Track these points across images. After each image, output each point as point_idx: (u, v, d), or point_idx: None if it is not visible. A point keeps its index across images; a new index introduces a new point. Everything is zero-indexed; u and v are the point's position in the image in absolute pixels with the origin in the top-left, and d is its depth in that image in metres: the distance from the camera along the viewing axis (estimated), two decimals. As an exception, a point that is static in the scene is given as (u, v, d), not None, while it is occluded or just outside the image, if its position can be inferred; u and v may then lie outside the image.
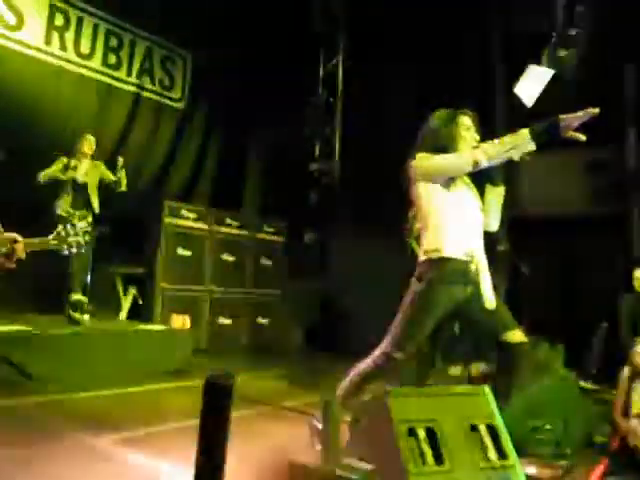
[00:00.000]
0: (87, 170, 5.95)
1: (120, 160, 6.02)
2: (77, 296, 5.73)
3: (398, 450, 2.26)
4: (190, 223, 7.12)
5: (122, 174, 6.01)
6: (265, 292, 7.87)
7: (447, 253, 2.95)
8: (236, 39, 7.99)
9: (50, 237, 2.49)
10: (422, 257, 3.05)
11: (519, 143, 2.80)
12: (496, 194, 3.18)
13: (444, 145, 3.04)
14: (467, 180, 3.15)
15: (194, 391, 4.97)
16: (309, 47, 8.26)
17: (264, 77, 8.10)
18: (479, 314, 2.97)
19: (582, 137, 2.77)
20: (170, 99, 8.47)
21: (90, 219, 5.82)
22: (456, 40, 6.53)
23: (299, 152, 8.01)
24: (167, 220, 6.87)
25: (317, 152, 8.26)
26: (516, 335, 2.93)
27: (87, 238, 2.55)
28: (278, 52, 7.96)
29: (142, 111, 7.89)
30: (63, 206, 5.79)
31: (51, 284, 5.91)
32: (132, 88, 8.04)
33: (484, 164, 2.87)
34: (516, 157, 2.88)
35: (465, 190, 3.10)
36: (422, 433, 2.31)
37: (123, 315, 6.75)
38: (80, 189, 5.88)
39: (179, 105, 8.52)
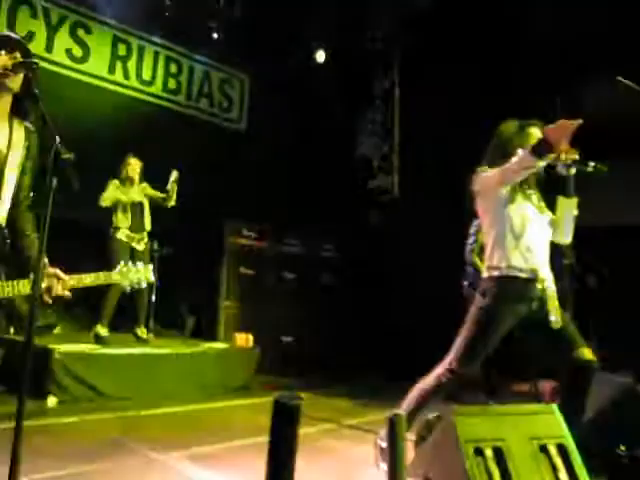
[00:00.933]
0: (139, 191, 6.04)
1: (174, 174, 6.04)
2: (140, 330, 5.87)
3: (465, 470, 2.22)
4: (251, 242, 7.24)
5: (173, 188, 6.03)
6: (326, 310, 7.85)
7: (509, 272, 2.94)
8: (290, 59, 8.13)
9: (113, 273, 2.51)
10: (485, 273, 3.03)
11: (522, 159, 2.82)
12: (569, 206, 3.09)
13: (514, 156, 2.97)
14: (535, 194, 3.12)
15: (258, 408, 5.09)
16: (364, 64, 8.31)
17: (319, 95, 8.19)
18: (545, 331, 2.91)
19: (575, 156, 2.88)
20: (229, 121, 8.68)
21: (147, 239, 6.00)
22: (515, 46, 6.42)
23: (358, 170, 8.05)
24: (229, 239, 7.01)
25: (375, 169, 8.28)
26: (585, 353, 2.85)
27: (148, 276, 2.60)
28: (333, 71, 8.06)
29: (202, 133, 8.10)
30: (123, 230, 5.88)
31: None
32: (192, 111, 8.29)
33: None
34: (526, 174, 2.90)
35: (531, 205, 3.06)
36: (489, 453, 2.27)
37: (187, 334, 6.91)
38: (136, 211, 5.98)
39: (238, 126, 8.72)
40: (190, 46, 8.25)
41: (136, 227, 5.95)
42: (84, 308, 6.13)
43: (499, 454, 2.26)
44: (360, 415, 4.77)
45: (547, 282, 2.96)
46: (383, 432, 3.21)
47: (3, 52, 2.29)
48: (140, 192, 6.06)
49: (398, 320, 7.27)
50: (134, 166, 6.07)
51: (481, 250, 5.24)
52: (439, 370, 3.08)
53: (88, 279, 2.40)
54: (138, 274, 2.57)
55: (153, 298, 6.30)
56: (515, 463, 2.26)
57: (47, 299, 2.30)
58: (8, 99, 2.36)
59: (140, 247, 5.90)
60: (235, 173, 7.57)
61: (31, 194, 2.47)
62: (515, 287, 2.93)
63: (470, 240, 5.31)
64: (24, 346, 1.92)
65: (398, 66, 8.20)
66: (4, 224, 2.35)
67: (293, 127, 8.32)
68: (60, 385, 4.68)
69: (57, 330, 5.49)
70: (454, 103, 6.82)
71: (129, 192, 5.96)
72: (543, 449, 2.32)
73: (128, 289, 2.57)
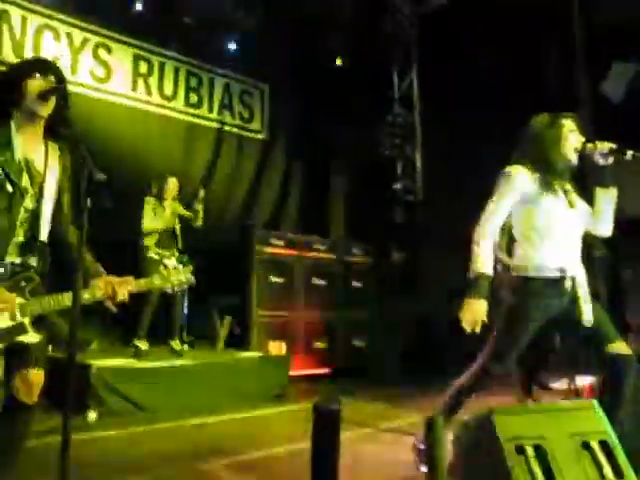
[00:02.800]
0: (171, 213, 6.11)
1: (201, 193, 6.12)
2: (174, 342, 5.93)
3: (507, 469, 2.21)
4: (280, 250, 7.28)
5: (200, 208, 6.10)
6: (359, 314, 7.89)
7: (536, 272, 2.94)
8: (310, 66, 8.17)
9: (154, 277, 2.59)
10: (513, 272, 3.01)
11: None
12: (608, 197, 3.08)
13: (547, 148, 3.02)
14: (568, 186, 3.07)
15: (295, 415, 5.10)
16: (382, 66, 8.32)
17: (340, 100, 8.22)
18: (578, 326, 2.88)
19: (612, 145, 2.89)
20: (251, 131, 8.76)
21: (177, 256, 6.07)
22: (536, 41, 6.36)
23: (381, 173, 8.04)
24: (258, 249, 7.06)
25: (399, 171, 8.27)
26: (620, 347, 2.81)
27: (189, 276, 2.64)
28: (352, 75, 8.09)
29: (225, 145, 8.19)
30: (153, 248, 5.94)
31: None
32: (214, 124, 8.38)
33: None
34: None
35: (560, 200, 3.02)
36: (531, 451, 2.25)
37: (220, 344, 6.95)
38: (166, 230, 6.06)
39: (260, 136, 8.80)
40: (209, 59, 8.35)
41: (165, 244, 6.04)
42: (118, 323, 6.22)
43: (541, 452, 2.24)
44: (396, 419, 4.76)
45: (578, 279, 2.93)
46: (421, 434, 3.20)
47: (38, 75, 2.37)
48: (172, 214, 6.13)
49: (430, 324, 7.23)
50: (172, 188, 6.15)
51: (509, 248, 5.20)
52: (473, 369, 3.08)
53: (142, 282, 2.54)
54: (179, 276, 2.62)
55: (185, 310, 6.38)
56: (557, 461, 2.23)
57: (110, 306, 2.46)
58: (42, 123, 2.46)
59: (171, 263, 5.98)
60: (261, 182, 7.63)
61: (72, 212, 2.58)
62: (540, 286, 2.91)
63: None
64: (68, 362, 1.97)
65: (417, 66, 8.20)
66: (46, 241, 2.45)
67: (315, 133, 8.36)
68: (99, 399, 4.74)
69: (94, 345, 5.58)
70: (476, 101, 6.79)
71: (163, 216, 6.04)
72: (586, 446, 2.29)
73: (170, 291, 2.64)
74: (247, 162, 7.89)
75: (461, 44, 6.98)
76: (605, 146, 2.98)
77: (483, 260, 2.94)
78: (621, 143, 2.95)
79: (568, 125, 3.06)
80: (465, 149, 6.92)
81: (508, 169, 3.04)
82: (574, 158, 3.03)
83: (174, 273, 2.61)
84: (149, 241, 5.94)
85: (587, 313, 2.88)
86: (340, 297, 7.76)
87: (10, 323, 2.29)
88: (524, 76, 6.45)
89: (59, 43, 7.17)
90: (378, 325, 7.68)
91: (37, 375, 2.40)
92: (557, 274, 2.91)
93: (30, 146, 2.43)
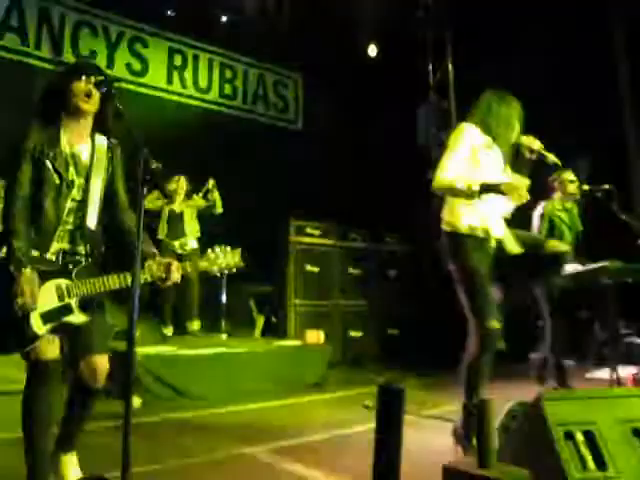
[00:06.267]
0: (183, 208, 6.35)
1: (210, 182, 6.30)
2: (191, 324, 6.03)
3: (556, 454, 2.21)
4: (315, 239, 7.33)
5: (215, 196, 6.28)
6: (394, 303, 7.89)
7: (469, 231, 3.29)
8: (343, 54, 8.14)
9: (200, 261, 2.65)
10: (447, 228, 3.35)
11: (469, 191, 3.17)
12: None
13: (499, 121, 3.36)
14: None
15: (333, 403, 5.15)
16: (417, 53, 8.25)
17: (373, 89, 8.19)
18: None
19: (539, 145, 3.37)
20: (285, 121, 8.79)
21: (189, 242, 6.20)
22: (574, 37, 6.24)
23: (416, 160, 7.98)
24: (294, 238, 7.13)
25: (434, 158, 8.20)
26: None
27: (237, 260, 2.67)
28: (387, 63, 8.05)
29: (260, 136, 8.24)
30: (164, 239, 6.25)
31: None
32: (249, 115, 8.44)
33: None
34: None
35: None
36: (580, 436, 2.24)
37: (257, 333, 7.05)
38: (175, 219, 6.29)
39: (295, 126, 8.83)
40: (243, 50, 8.39)
41: (174, 234, 6.26)
42: (147, 310, 6.33)
43: (591, 438, 2.23)
44: (436, 406, 4.77)
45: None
46: (460, 420, 3.31)
47: (84, 77, 2.49)
48: (181, 203, 6.38)
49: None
50: (181, 188, 6.39)
51: (547, 236, 5.16)
52: (472, 340, 3.21)
53: (188, 264, 2.63)
54: (227, 259, 2.64)
55: (224, 298, 6.50)
56: (608, 446, 2.22)
57: (163, 285, 2.57)
58: (89, 120, 2.63)
59: (186, 250, 6.16)
60: (296, 172, 7.66)
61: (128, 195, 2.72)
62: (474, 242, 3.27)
63: (536, 223, 5.23)
64: (128, 346, 2.04)
65: (452, 53, 8.11)
66: (94, 228, 2.58)
67: (349, 123, 8.35)
68: (142, 386, 4.87)
69: (137, 334, 5.68)
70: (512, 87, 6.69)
71: (170, 204, 6.31)
72: (636, 432, 2.28)
73: (218, 274, 2.66)
74: (283, 152, 7.92)
75: (498, 29, 6.89)
76: (536, 144, 3.38)
77: (471, 180, 3.17)
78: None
79: (518, 109, 3.42)
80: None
81: (459, 124, 3.38)
82: (514, 139, 3.40)
83: (222, 255, 2.64)
84: (160, 232, 6.26)
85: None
86: (375, 286, 7.77)
87: (57, 304, 2.44)
88: (565, 62, 6.34)
89: (97, 38, 7.30)
90: (413, 315, 7.66)
91: (102, 360, 2.51)
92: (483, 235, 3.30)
93: (77, 141, 2.59)
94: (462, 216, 3.30)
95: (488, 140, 3.34)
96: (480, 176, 3.23)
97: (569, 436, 2.24)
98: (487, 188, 3.14)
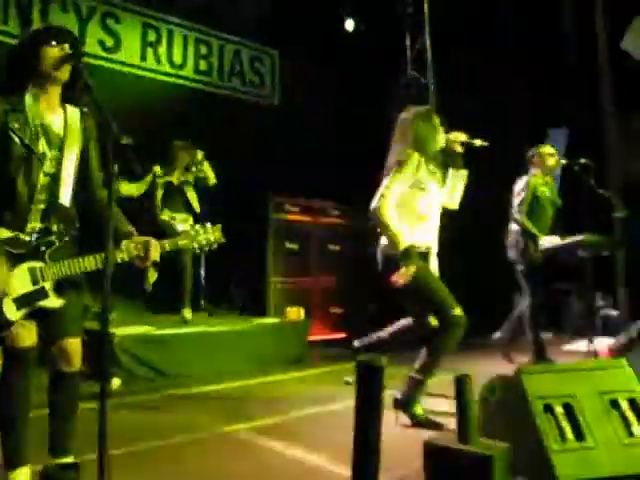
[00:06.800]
0: (180, 174, 6.16)
1: (199, 154, 6.14)
2: (186, 311, 5.94)
3: (535, 427, 2.23)
4: (295, 217, 7.29)
5: (205, 167, 6.13)
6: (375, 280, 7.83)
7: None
8: (319, 31, 8.02)
9: (179, 237, 2.58)
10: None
11: (396, 242, 3.42)
12: (459, 176, 3.80)
13: (426, 138, 3.58)
14: (437, 170, 3.70)
15: (313, 379, 5.16)
16: (394, 30, 8.16)
17: (351, 66, 8.10)
18: None
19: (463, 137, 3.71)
20: (262, 97, 8.67)
21: (192, 220, 6.09)
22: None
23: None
24: (273, 215, 7.08)
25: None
26: None
27: (218, 235, 2.61)
28: (363, 38, 7.95)
29: (237, 112, 8.11)
30: (165, 210, 6.05)
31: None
32: (225, 91, 8.29)
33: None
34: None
35: (434, 184, 3.67)
36: (559, 409, 2.27)
37: (237, 310, 7.03)
38: (176, 193, 6.13)
39: (271, 102, 8.71)
40: (218, 26, 8.21)
41: (177, 208, 6.10)
42: (133, 293, 6.25)
43: (569, 410, 2.26)
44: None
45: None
46: (402, 390, 3.57)
47: (54, 43, 2.36)
48: (179, 175, 6.18)
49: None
50: (184, 157, 6.21)
51: (530, 210, 5.17)
52: (441, 336, 3.45)
53: (167, 242, 2.52)
54: (207, 235, 2.59)
55: (203, 276, 6.44)
56: (586, 418, 2.25)
57: (142, 264, 2.46)
58: (58, 89, 2.48)
59: (186, 227, 6.00)
60: (274, 149, 7.57)
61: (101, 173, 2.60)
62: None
63: (517, 200, 5.21)
64: (101, 327, 1.99)
65: (430, 28, 8.02)
66: (69, 205, 2.46)
67: (326, 98, 8.26)
68: (122, 367, 4.83)
69: (114, 315, 5.62)
70: (488, 66, 6.68)
71: (173, 173, 6.12)
72: (614, 404, 2.31)
73: (198, 251, 2.60)
74: (260, 128, 7.81)
75: (476, 5, 6.83)
76: (460, 137, 3.72)
77: (404, 234, 3.40)
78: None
79: (436, 119, 3.66)
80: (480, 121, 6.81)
81: (407, 152, 3.51)
82: (441, 146, 3.67)
83: (202, 232, 2.58)
84: (161, 203, 6.05)
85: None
86: (354, 263, 7.76)
87: (31, 288, 2.33)
88: (544, 39, 6.31)
89: (67, 14, 7.08)
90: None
91: (73, 344, 2.44)
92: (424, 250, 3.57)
93: (47, 111, 2.44)
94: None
95: (424, 159, 3.57)
96: (421, 201, 3.56)
97: (548, 409, 2.27)
98: (409, 254, 3.35)
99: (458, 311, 3.40)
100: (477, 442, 2.18)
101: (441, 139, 3.67)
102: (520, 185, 5.23)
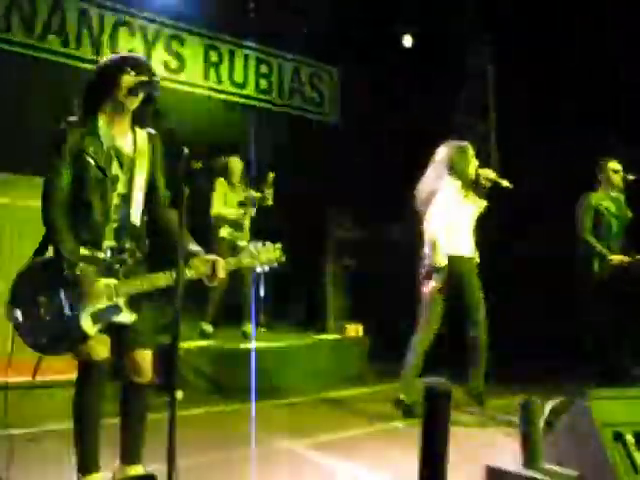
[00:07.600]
0: (242, 197, 6.27)
1: (270, 176, 6.24)
2: (246, 327, 6.00)
3: (605, 456, 2.15)
4: (353, 233, 7.30)
5: (270, 190, 6.22)
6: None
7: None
8: (378, 50, 8.05)
9: (242, 256, 2.65)
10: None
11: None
12: (477, 204, 4.51)
13: (463, 168, 4.37)
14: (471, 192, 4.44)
15: (373, 397, 5.13)
16: (455, 43, 8.09)
17: (410, 80, 8.08)
18: None
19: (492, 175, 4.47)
20: (321, 114, 8.75)
21: (249, 237, 6.18)
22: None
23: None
24: (332, 232, 7.11)
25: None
26: None
27: (278, 254, 2.67)
28: (423, 54, 7.95)
29: (297, 129, 8.21)
30: (225, 227, 6.12)
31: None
32: (285, 109, 8.42)
33: None
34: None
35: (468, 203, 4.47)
36: (630, 438, 2.19)
37: (296, 326, 7.07)
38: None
39: (330, 119, 8.77)
40: (278, 44, 8.36)
41: (238, 226, 6.19)
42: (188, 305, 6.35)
43: (641, 439, 2.18)
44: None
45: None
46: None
47: (133, 73, 2.48)
48: (240, 195, 6.30)
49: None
50: (237, 168, 6.34)
51: (594, 227, 5.05)
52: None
53: (232, 261, 2.65)
54: (268, 254, 2.65)
55: (262, 292, 6.52)
56: (659, 448, 2.16)
57: (210, 282, 2.58)
58: (129, 114, 2.60)
59: (243, 244, 6.11)
60: (333, 167, 7.61)
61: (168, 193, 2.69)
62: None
63: (579, 215, 5.12)
64: (172, 340, 2.06)
65: (492, 41, 7.92)
66: (139, 224, 2.58)
67: (386, 115, 8.25)
68: (183, 380, 4.92)
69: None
70: (553, 77, 6.53)
71: (234, 204, 6.22)
72: (690, 432, 2.20)
73: (259, 270, 2.65)
74: (319, 146, 7.88)
75: (540, 17, 6.69)
76: (489, 173, 4.42)
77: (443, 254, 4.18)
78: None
79: (471, 151, 4.42)
80: (543, 132, 6.66)
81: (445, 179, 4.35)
82: (474, 176, 4.39)
83: (263, 251, 2.63)
84: (220, 223, 6.11)
85: None
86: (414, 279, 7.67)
87: (107, 304, 2.44)
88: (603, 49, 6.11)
89: (134, 38, 7.37)
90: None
91: (143, 356, 2.54)
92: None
93: (118, 135, 2.56)
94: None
95: (460, 185, 4.35)
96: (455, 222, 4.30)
97: (618, 437, 2.19)
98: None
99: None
100: (541, 468, 2.13)
101: (473, 169, 4.38)
102: (581, 203, 5.15)
